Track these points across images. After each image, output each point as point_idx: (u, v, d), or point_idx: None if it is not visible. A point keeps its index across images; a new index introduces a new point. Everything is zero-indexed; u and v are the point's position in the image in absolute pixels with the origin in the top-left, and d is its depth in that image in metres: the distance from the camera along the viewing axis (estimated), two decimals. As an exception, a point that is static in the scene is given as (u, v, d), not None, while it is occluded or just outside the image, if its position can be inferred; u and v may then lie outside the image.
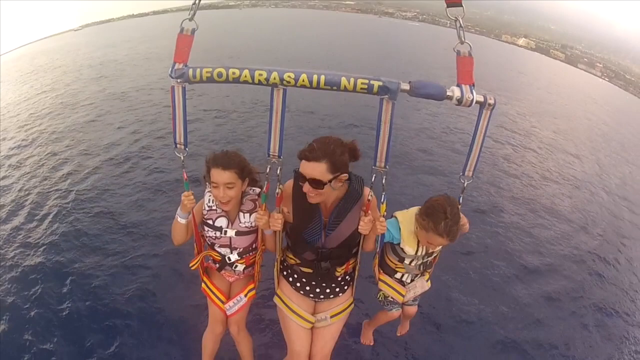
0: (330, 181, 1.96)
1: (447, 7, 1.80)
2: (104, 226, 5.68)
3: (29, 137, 9.67)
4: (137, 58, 21.93)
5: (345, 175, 2.02)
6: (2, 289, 4.50)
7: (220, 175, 2.14)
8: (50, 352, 3.67)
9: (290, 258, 2.40)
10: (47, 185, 7.12)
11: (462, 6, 1.79)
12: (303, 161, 1.95)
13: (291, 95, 1.86)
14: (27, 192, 6.84)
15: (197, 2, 1.83)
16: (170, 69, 1.82)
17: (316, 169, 1.92)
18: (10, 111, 12.48)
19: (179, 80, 1.83)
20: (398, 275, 2.55)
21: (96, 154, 8.28)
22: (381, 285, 2.57)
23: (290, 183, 2.21)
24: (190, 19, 1.83)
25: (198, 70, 1.77)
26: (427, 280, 2.60)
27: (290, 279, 2.47)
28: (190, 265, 2.48)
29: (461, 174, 2.12)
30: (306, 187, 1.98)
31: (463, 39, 1.83)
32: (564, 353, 4.24)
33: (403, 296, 2.58)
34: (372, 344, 3.17)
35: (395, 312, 2.70)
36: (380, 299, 2.68)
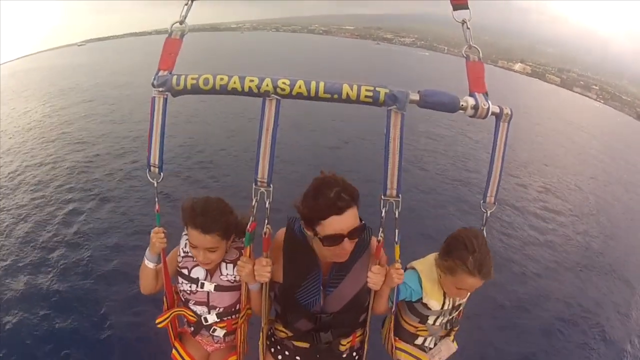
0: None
1: (454, 9, 1.68)
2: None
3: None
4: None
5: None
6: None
7: (200, 240, 1.74)
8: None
9: (280, 330, 1.93)
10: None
11: (468, 8, 1.67)
12: (333, 217, 1.52)
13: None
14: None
15: (189, 3, 1.67)
16: (153, 77, 1.62)
17: (353, 217, 1.57)
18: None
19: (160, 89, 1.61)
20: (419, 341, 2.06)
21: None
22: (399, 355, 2.05)
23: (282, 232, 1.83)
24: (181, 22, 1.66)
25: (182, 77, 1.56)
26: (452, 341, 2.12)
27: (280, 357, 1.98)
28: (157, 321, 2.00)
29: (482, 201, 1.81)
30: (348, 245, 1.59)
31: (471, 43, 1.69)
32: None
33: None
34: None
35: None
36: None
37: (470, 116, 1.66)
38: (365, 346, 2.00)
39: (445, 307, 1.91)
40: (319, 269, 1.75)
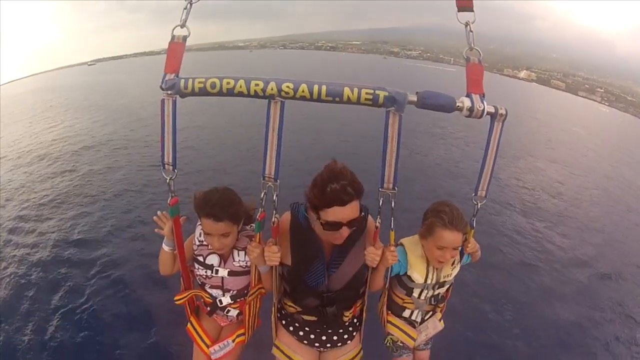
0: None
1: (458, 11, 1.73)
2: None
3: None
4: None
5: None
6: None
7: (214, 227, 1.92)
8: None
9: (290, 306, 2.13)
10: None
11: (473, 10, 1.72)
12: (336, 207, 1.69)
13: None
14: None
15: (188, 7, 1.74)
16: (161, 81, 1.70)
17: (354, 210, 1.73)
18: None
19: (169, 92, 1.69)
20: (407, 314, 2.28)
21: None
22: (389, 328, 2.30)
23: (287, 217, 1.98)
24: (182, 26, 1.73)
25: (190, 81, 1.64)
26: (439, 320, 2.34)
27: (291, 328, 2.19)
28: (175, 299, 2.21)
29: (473, 194, 1.91)
30: (346, 232, 1.77)
31: (473, 45, 1.74)
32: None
33: (414, 339, 2.29)
34: None
35: (406, 358, 2.41)
36: (388, 344, 2.39)
37: (466, 116, 1.71)
38: (364, 315, 2.20)
39: (429, 281, 2.11)
40: (323, 254, 1.92)
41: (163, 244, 2.08)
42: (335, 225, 1.73)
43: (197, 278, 2.21)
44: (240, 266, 2.12)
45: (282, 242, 1.94)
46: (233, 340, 2.26)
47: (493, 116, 1.76)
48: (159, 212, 2.02)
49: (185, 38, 1.75)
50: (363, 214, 1.85)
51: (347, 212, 1.71)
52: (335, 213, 1.70)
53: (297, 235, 1.93)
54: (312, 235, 1.89)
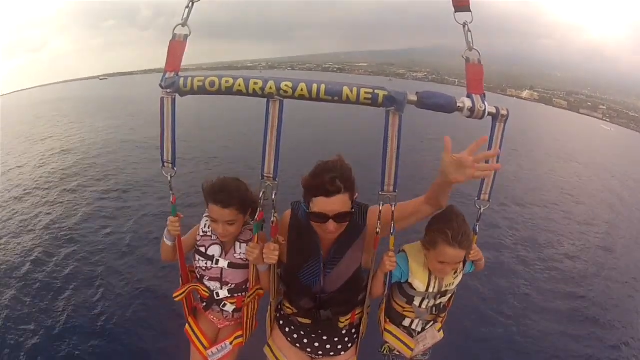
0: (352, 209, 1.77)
1: (455, 11, 1.72)
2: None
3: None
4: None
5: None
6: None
7: (220, 213, 1.94)
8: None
9: (287, 307, 2.11)
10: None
11: (470, 10, 1.71)
12: (321, 197, 1.69)
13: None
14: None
15: (190, 6, 1.73)
16: (161, 79, 1.70)
17: (343, 202, 1.71)
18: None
19: (168, 91, 1.69)
20: (406, 322, 2.19)
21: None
22: (386, 337, 2.20)
23: (287, 214, 1.98)
24: (184, 25, 1.73)
25: (189, 80, 1.64)
26: (438, 330, 2.24)
27: (287, 330, 2.16)
28: (174, 295, 2.20)
29: (476, 198, 1.86)
30: (332, 226, 1.72)
31: (472, 45, 1.72)
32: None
33: (411, 350, 2.18)
34: None
35: None
36: (384, 352, 2.31)
37: (467, 117, 1.68)
38: (362, 327, 2.13)
39: (430, 290, 2.01)
40: (320, 251, 1.88)
41: (165, 239, 2.10)
42: (320, 217, 1.71)
43: (197, 270, 2.20)
44: (241, 258, 2.10)
45: (283, 238, 1.92)
46: (231, 343, 2.23)
47: (495, 117, 1.72)
48: (170, 218, 2.01)
49: (186, 37, 1.75)
50: (354, 209, 1.80)
51: (333, 204, 1.69)
52: (320, 204, 1.70)
53: (295, 231, 1.91)
54: (310, 232, 1.85)
